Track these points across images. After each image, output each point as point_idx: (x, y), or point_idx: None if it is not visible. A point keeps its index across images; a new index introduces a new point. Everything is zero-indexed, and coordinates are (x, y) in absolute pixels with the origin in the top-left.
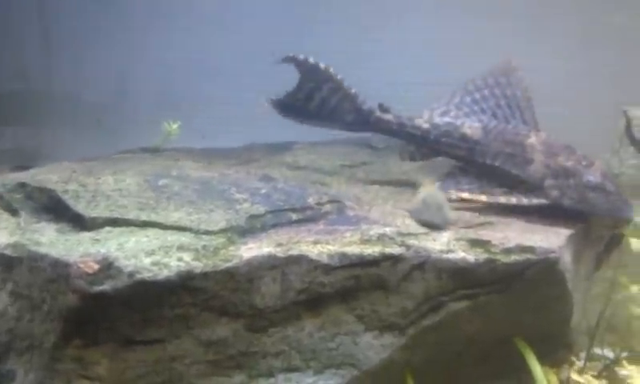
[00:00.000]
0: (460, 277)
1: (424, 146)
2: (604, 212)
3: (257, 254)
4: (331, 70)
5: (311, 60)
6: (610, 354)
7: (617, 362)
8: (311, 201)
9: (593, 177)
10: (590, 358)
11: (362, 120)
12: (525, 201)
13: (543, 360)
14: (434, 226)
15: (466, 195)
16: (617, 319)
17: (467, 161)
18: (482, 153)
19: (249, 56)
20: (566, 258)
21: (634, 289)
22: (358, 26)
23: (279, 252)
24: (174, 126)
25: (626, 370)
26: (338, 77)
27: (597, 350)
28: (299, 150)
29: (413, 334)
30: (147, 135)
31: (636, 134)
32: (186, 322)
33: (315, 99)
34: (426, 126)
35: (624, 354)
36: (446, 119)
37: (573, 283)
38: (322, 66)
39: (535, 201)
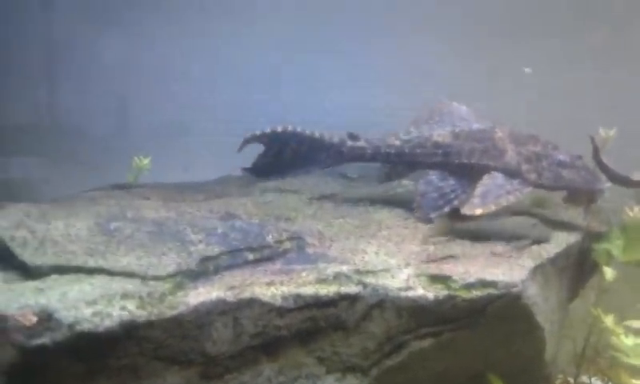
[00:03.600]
0: (421, 314)
1: (400, 162)
2: (580, 185)
3: (205, 300)
4: (290, 127)
5: (268, 130)
6: (598, 383)
7: None
8: (270, 239)
9: (563, 156)
10: None
11: (335, 154)
12: (518, 194)
13: None
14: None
15: (479, 212)
16: (602, 346)
17: (444, 165)
18: (457, 154)
19: (237, 87)
20: (531, 291)
21: (609, 320)
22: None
23: (230, 296)
24: (145, 162)
25: None
26: (298, 129)
27: (586, 379)
28: (270, 183)
29: (377, 374)
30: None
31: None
32: (134, 371)
33: (286, 154)
34: (398, 142)
35: None
36: (415, 133)
37: (543, 316)
38: (279, 129)
39: (525, 190)
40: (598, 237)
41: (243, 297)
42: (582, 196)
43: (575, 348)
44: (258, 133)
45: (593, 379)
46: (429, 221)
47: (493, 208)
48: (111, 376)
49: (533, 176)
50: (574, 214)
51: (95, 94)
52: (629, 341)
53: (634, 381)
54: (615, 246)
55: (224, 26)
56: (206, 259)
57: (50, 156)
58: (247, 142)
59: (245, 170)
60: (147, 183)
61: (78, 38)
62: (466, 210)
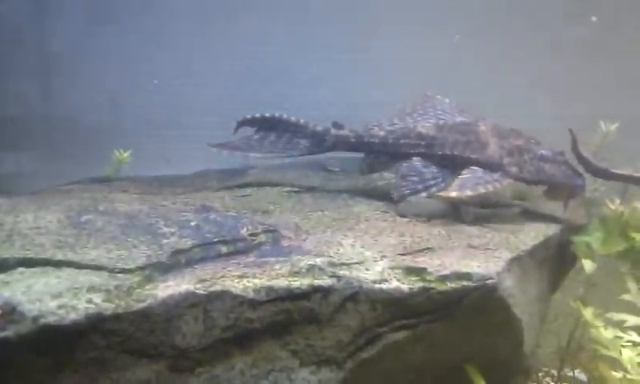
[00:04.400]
0: (396, 307)
1: (383, 152)
2: (560, 180)
3: (174, 293)
4: (277, 114)
5: (258, 115)
6: (581, 375)
7: None
8: (244, 232)
9: (545, 151)
10: (562, 379)
11: (319, 141)
12: (497, 185)
13: None
14: None
15: (454, 194)
16: (587, 340)
17: (427, 155)
18: (440, 146)
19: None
20: (508, 283)
21: (588, 313)
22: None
23: (200, 289)
24: (125, 155)
25: None
26: (285, 116)
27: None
28: (250, 177)
29: (352, 367)
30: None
31: None
32: (102, 365)
33: (271, 137)
34: (382, 133)
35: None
36: (400, 125)
37: (521, 308)
38: (267, 114)
39: (505, 182)
40: (578, 229)
41: (214, 289)
42: (562, 191)
43: (560, 342)
44: (249, 117)
45: (576, 372)
46: (404, 200)
47: (469, 193)
48: (78, 370)
49: (514, 169)
50: (554, 207)
51: (86, 88)
52: (608, 333)
53: (613, 373)
54: (594, 238)
55: (210, 23)
56: (177, 252)
57: (40, 149)
58: (241, 124)
59: (215, 145)
60: (128, 176)
61: (69, 34)
62: (441, 193)
